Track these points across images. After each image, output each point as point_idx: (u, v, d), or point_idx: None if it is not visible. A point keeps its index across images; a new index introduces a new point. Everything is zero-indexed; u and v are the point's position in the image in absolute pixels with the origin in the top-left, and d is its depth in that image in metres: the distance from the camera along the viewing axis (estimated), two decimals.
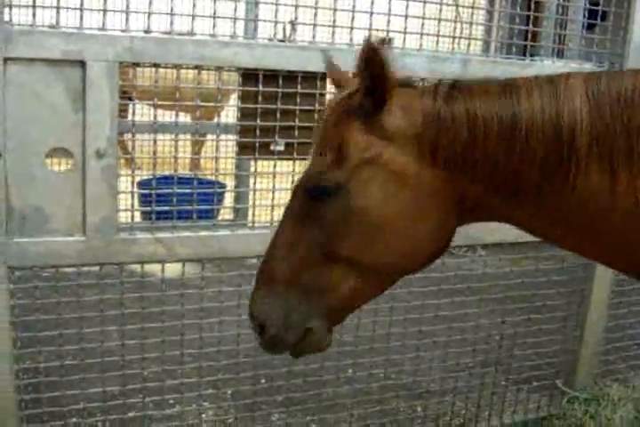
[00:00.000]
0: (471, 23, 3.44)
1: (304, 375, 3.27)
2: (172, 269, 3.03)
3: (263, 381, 3.47)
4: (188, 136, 6.76)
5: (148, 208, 2.83)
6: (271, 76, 2.81)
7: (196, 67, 2.73)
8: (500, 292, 3.50)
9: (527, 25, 3.28)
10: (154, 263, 2.84)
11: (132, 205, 2.80)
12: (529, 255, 3.46)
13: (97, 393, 2.96)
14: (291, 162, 2.97)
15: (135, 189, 2.86)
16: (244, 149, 2.88)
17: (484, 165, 1.73)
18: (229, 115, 4.78)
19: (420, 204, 1.77)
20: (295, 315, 1.89)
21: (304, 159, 3.06)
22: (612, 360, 3.94)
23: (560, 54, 3.94)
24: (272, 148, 2.87)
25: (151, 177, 2.89)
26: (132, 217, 2.80)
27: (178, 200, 2.88)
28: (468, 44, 3.24)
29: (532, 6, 3.35)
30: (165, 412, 3.17)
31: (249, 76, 2.80)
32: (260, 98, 2.81)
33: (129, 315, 2.89)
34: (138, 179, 5.39)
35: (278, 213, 3.14)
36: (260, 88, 2.80)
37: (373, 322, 3.29)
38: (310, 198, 1.84)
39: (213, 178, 5.98)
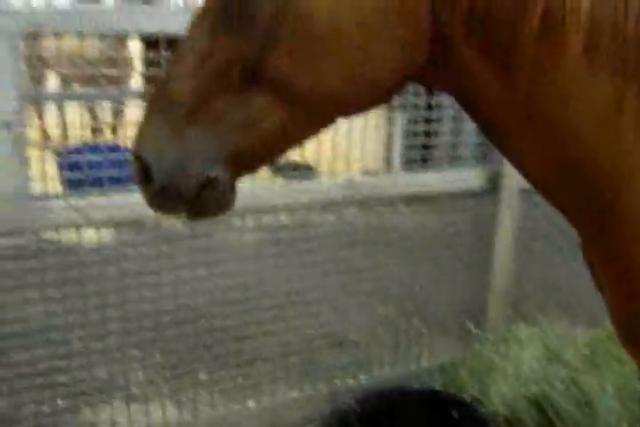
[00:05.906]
0: None
1: (225, 331, 3.39)
2: (90, 237, 3.09)
3: (189, 340, 3.55)
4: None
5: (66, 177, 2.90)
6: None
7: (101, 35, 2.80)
8: (409, 242, 3.66)
9: None
10: (69, 228, 2.90)
11: (45, 174, 2.87)
12: (431, 208, 3.62)
13: (22, 359, 3.02)
14: None
15: (50, 159, 2.93)
16: None
17: None
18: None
19: (383, 11, 1.37)
20: (195, 157, 1.46)
21: None
22: (521, 306, 4.17)
23: None
24: None
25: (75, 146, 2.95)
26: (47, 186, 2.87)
27: (96, 168, 2.95)
28: None
29: None
30: (93, 373, 3.26)
31: (151, 42, 2.86)
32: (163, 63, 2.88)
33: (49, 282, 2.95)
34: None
35: None
36: (163, 53, 2.87)
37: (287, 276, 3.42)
38: None
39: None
